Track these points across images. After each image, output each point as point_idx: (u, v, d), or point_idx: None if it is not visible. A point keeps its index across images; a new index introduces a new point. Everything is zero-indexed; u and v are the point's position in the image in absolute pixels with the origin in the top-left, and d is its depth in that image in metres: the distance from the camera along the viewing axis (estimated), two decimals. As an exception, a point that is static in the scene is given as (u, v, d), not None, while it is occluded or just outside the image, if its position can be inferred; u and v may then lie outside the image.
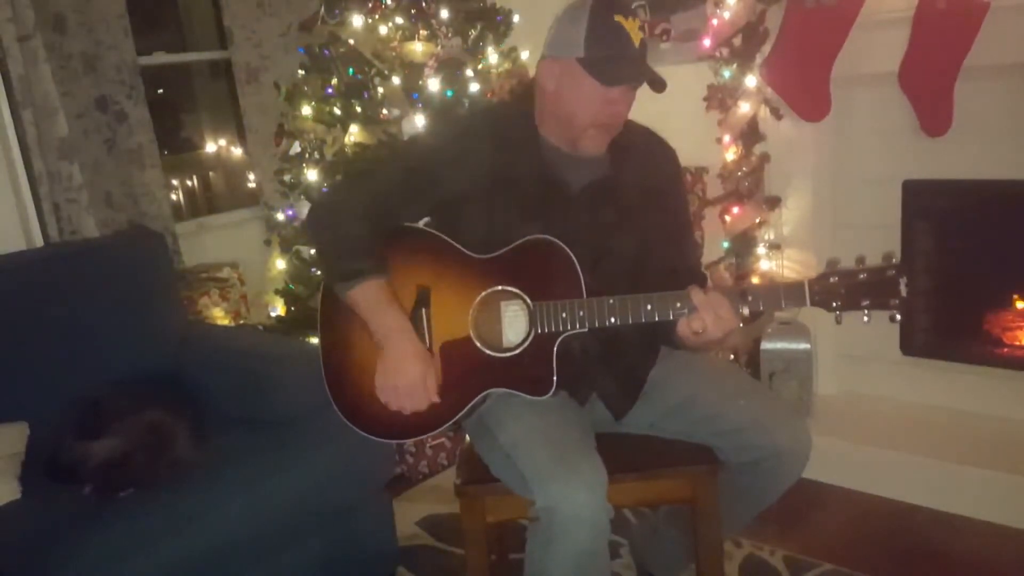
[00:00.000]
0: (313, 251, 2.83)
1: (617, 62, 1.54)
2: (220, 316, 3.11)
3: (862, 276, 1.48)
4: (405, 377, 1.57)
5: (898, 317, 1.48)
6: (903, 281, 1.45)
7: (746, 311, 1.51)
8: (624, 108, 1.61)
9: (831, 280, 1.48)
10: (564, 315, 1.56)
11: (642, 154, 1.72)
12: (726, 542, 2.07)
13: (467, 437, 1.79)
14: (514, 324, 1.60)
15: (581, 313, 1.55)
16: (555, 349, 1.57)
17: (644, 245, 1.68)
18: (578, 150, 1.63)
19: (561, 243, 1.57)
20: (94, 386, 2.04)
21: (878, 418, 2.69)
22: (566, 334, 1.57)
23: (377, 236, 1.63)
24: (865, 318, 1.49)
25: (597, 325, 1.55)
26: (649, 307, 1.53)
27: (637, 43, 1.54)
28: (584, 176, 1.66)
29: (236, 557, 1.84)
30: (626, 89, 1.57)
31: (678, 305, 1.52)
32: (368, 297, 1.58)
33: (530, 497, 1.49)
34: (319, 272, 2.77)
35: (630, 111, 1.64)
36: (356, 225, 1.61)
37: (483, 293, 1.61)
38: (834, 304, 1.49)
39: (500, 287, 1.60)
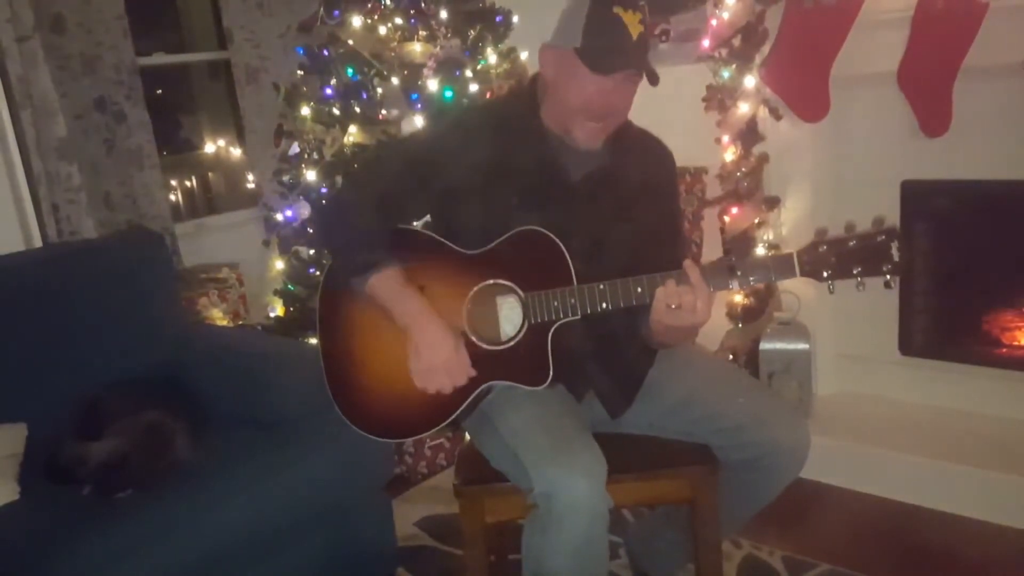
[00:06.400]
0: (315, 251, 2.83)
1: (611, 52, 1.54)
2: (219, 317, 3.11)
3: (852, 243, 1.45)
4: (440, 354, 1.56)
5: (892, 283, 1.45)
6: (895, 246, 1.43)
7: (735, 286, 1.51)
8: (618, 99, 1.60)
9: (820, 249, 1.46)
10: (556, 304, 1.56)
11: (640, 152, 1.74)
12: (725, 542, 2.07)
13: (467, 436, 1.79)
14: (510, 317, 1.61)
15: (572, 301, 1.55)
16: (549, 338, 1.58)
17: (638, 239, 1.69)
18: (572, 140, 1.64)
19: (549, 233, 1.57)
20: (93, 386, 2.04)
21: (877, 418, 2.69)
22: (559, 323, 1.57)
23: (387, 229, 1.64)
24: (859, 287, 1.46)
25: (588, 311, 1.55)
26: (639, 290, 1.52)
27: (635, 36, 1.54)
28: (584, 165, 1.67)
29: (235, 558, 1.84)
30: (621, 80, 1.57)
31: None
32: (387, 286, 1.58)
33: (529, 485, 1.49)
34: (318, 273, 2.78)
35: (629, 108, 1.65)
36: (366, 219, 1.63)
37: (475, 288, 1.62)
38: (825, 274, 1.47)
39: (491, 281, 1.61)
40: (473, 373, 1.59)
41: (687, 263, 1.50)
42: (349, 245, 1.64)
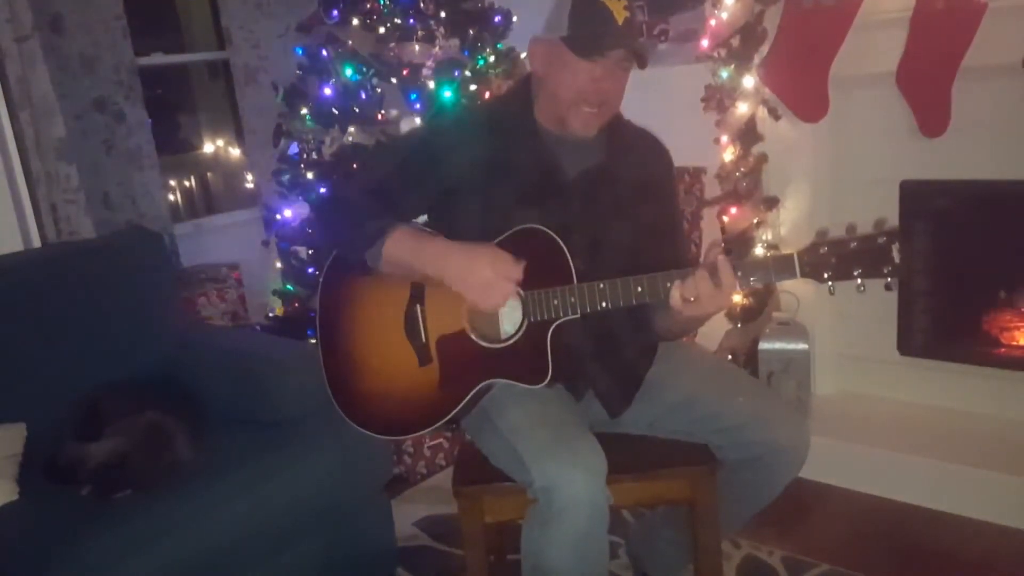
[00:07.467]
0: (315, 251, 2.83)
1: (597, 37, 1.56)
2: (219, 317, 3.11)
3: (853, 245, 1.45)
4: (483, 264, 1.52)
5: (892, 285, 1.45)
6: (896, 247, 1.43)
7: (736, 286, 1.50)
8: (609, 85, 1.61)
9: (821, 251, 1.46)
10: (556, 302, 1.56)
11: (638, 149, 1.75)
12: (724, 542, 2.07)
13: (466, 436, 1.79)
14: (511, 315, 1.61)
15: (572, 299, 1.55)
16: (549, 337, 1.58)
17: (638, 235, 1.69)
18: (567, 130, 1.64)
19: (549, 231, 1.57)
20: (92, 387, 2.04)
21: (876, 418, 2.69)
22: (559, 321, 1.57)
23: (386, 209, 1.62)
24: (860, 288, 1.46)
25: (588, 310, 1.55)
26: (640, 289, 1.52)
27: (620, 21, 1.56)
28: (580, 162, 1.67)
29: (235, 558, 1.84)
30: (610, 66, 1.59)
31: (668, 286, 1.51)
32: (403, 243, 1.56)
33: (529, 480, 1.49)
34: (318, 273, 2.77)
35: (622, 95, 1.66)
36: (363, 201, 1.63)
37: None
38: (826, 275, 1.47)
39: None
40: (522, 263, 1.54)
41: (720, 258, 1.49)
42: (351, 225, 1.62)
